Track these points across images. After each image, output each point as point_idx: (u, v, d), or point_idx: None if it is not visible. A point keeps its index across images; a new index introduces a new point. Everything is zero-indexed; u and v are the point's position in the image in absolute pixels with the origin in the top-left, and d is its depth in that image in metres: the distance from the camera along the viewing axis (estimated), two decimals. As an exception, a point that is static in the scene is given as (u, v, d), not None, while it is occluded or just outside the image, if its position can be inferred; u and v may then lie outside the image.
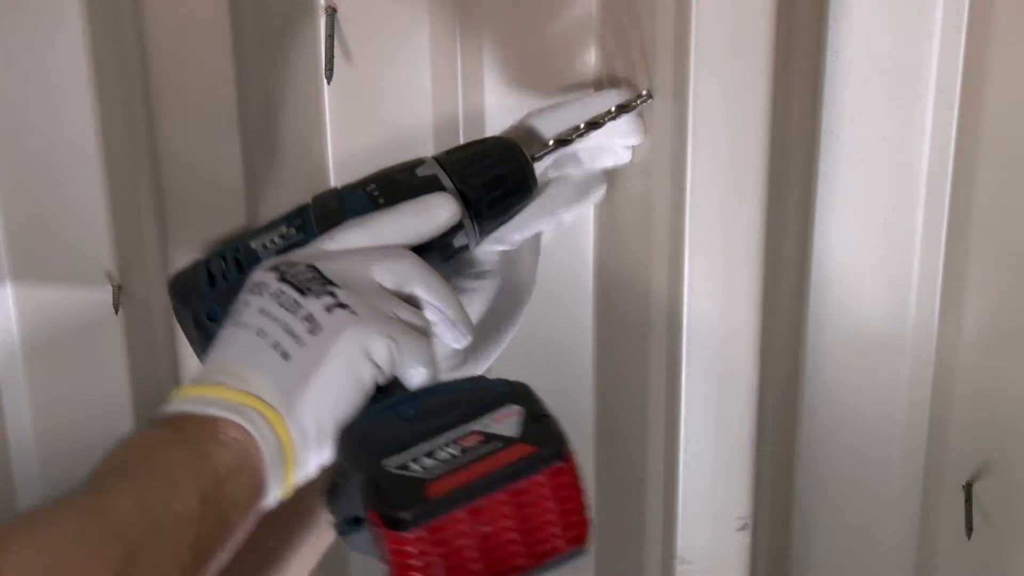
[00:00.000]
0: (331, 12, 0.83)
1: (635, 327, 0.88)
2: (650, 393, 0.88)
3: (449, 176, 0.68)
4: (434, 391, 0.58)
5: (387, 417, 0.56)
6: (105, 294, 0.88)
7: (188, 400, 0.56)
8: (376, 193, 0.67)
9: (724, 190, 0.77)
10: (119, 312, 0.90)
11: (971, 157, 0.83)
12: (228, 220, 0.83)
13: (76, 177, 0.87)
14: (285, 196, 0.85)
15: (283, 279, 0.59)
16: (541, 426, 0.54)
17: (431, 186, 0.67)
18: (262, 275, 0.60)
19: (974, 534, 0.90)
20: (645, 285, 0.86)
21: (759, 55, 0.74)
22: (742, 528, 0.86)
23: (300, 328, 0.57)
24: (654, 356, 0.87)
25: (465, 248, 0.69)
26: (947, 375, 0.89)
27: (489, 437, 0.53)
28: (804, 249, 0.87)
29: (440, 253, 0.67)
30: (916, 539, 0.94)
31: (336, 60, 0.83)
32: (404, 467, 0.52)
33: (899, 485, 0.93)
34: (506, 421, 0.54)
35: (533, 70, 0.83)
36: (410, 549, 0.50)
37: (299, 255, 0.62)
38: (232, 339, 0.59)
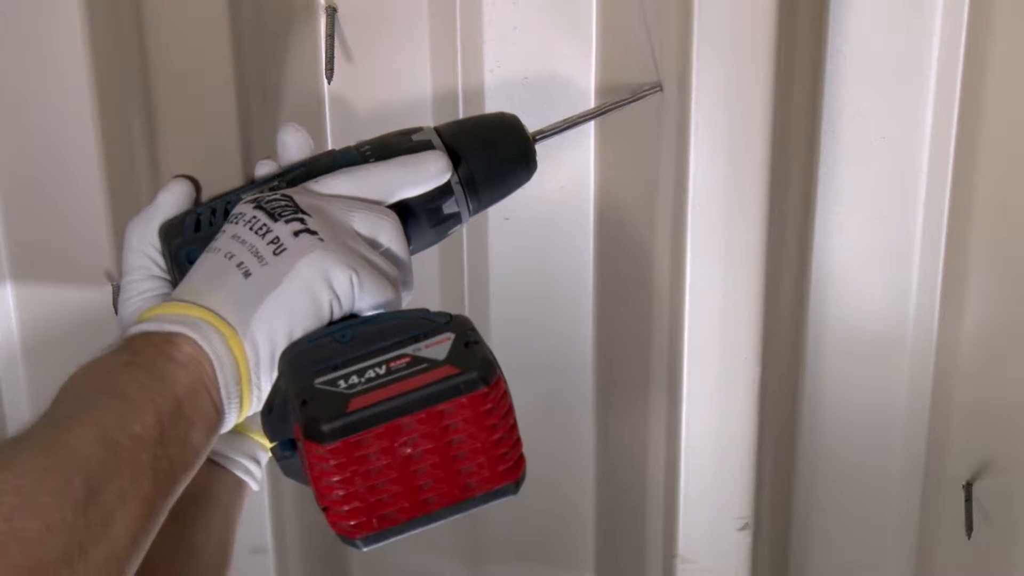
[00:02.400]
0: (331, 12, 0.82)
1: (636, 327, 0.88)
2: (651, 393, 0.88)
3: (444, 142, 0.67)
4: (376, 319, 0.58)
5: (325, 339, 0.56)
6: (105, 294, 0.88)
7: (148, 320, 0.56)
8: (368, 152, 0.67)
9: (725, 190, 0.77)
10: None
11: (971, 157, 0.83)
12: (228, 220, 0.83)
13: (76, 177, 0.87)
14: (285, 196, 0.85)
15: (258, 207, 0.59)
16: (470, 351, 0.53)
17: (424, 148, 0.67)
18: (241, 206, 0.61)
19: (974, 534, 0.90)
20: (646, 285, 0.86)
21: (760, 56, 0.74)
22: (743, 528, 0.86)
23: (265, 249, 0.57)
24: (655, 356, 0.87)
25: (456, 218, 0.68)
26: (947, 375, 0.89)
27: (417, 360, 0.53)
28: (804, 249, 0.87)
29: (428, 217, 0.66)
30: (916, 539, 0.94)
31: (336, 60, 0.83)
32: (332, 384, 0.52)
33: (899, 485, 0.93)
34: (437, 346, 0.54)
35: (533, 71, 0.83)
36: (330, 462, 0.50)
37: (281, 191, 0.63)
38: (202, 263, 0.59)
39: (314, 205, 0.60)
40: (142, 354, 0.54)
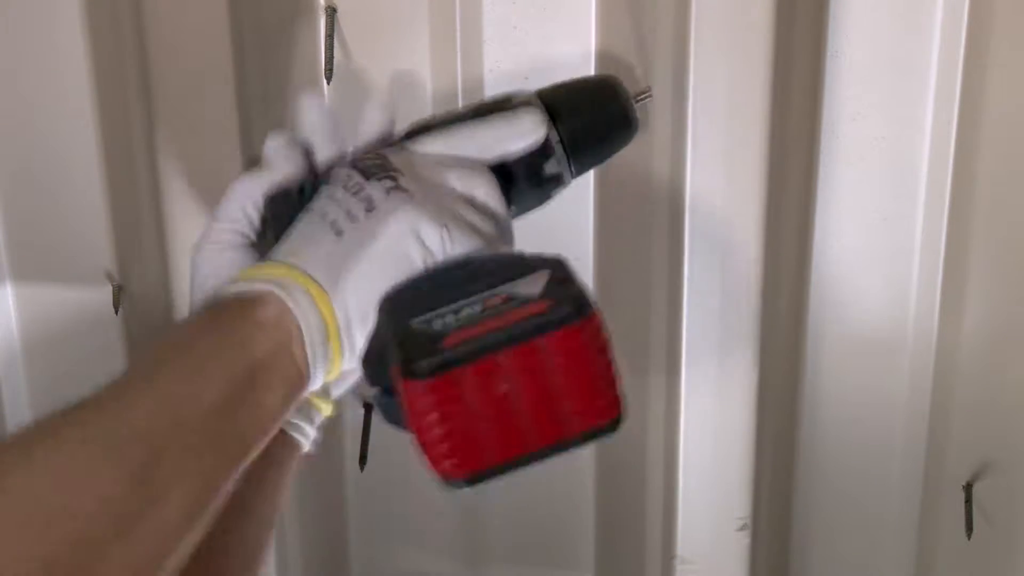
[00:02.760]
0: (331, 12, 0.82)
1: (635, 327, 0.88)
2: (650, 394, 0.88)
3: (545, 104, 0.67)
4: (471, 261, 0.57)
5: (422, 284, 0.56)
6: (105, 294, 0.88)
7: (239, 282, 0.55)
8: (467, 114, 0.66)
9: (724, 190, 0.77)
10: (119, 312, 0.90)
11: (971, 157, 0.83)
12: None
13: (76, 177, 0.87)
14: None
15: (353, 166, 0.60)
16: (564, 287, 0.52)
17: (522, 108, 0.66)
18: (338, 169, 0.61)
19: (974, 534, 0.90)
20: (645, 285, 0.86)
21: (759, 55, 0.74)
22: (742, 528, 0.86)
23: (358, 208, 0.57)
24: (654, 356, 0.87)
25: (558, 180, 0.67)
26: (947, 375, 0.89)
27: (512, 297, 0.52)
28: (804, 249, 0.87)
29: (529, 178, 0.66)
30: (916, 539, 0.94)
31: (336, 60, 0.83)
32: (428, 324, 0.52)
33: (899, 485, 0.93)
34: (532, 284, 0.53)
35: (533, 71, 0.83)
36: (425, 400, 0.49)
37: (378, 151, 0.62)
38: (298, 224, 0.59)
39: (408, 162, 0.60)
40: (223, 317, 0.54)
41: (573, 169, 0.68)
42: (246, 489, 0.56)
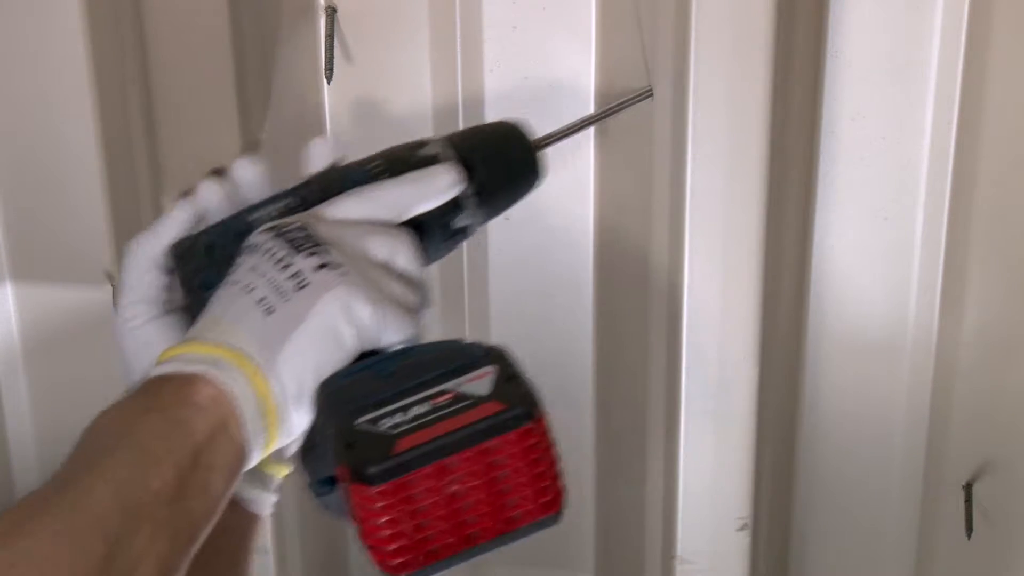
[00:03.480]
0: (331, 12, 0.83)
1: (635, 327, 0.88)
2: (650, 394, 0.88)
3: (456, 153, 0.66)
4: (412, 351, 0.57)
5: (363, 375, 0.55)
6: (105, 294, 0.88)
7: (167, 362, 0.55)
8: (378, 168, 0.66)
9: (724, 190, 0.77)
10: (119, 312, 0.90)
11: (971, 157, 0.83)
12: (228, 220, 0.83)
13: (76, 177, 0.87)
14: (285, 196, 0.85)
15: (277, 236, 0.59)
16: (513, 386, 0.53)
17: (434, 162, 0.65)
18: (257, 236, 0.60)
19: (974, 534, 0.90)
20: (645, 285, 0.86)
21: (759, 55, 0.74)
22: (742, 528, 0.86)
23: (287, 284, 0.56)
24: (654, 357, 0.87)
25: (468, 229, 0.67)
26: (947, 375, 0.89)
27: (461, 396, 0.53)
28: (804, 249, 0.87)
29: (441, 231, 0.66)
30: (916, 539, 0.94)
31: (336, 60, 0.83)
32: (375, 423, 0.52)
33: (899, 485, 0.93)
34: (479, 381, 0.53)
35: (533, 71, 0.83)
36: (377, 504, 0.50)
37: (296, 217, 0.62)
38: (220, 297, 0.58)
39: (332, 235, 0.59)
40: (160, 399, 0.53)
41: (482, 218, 0.68)
42: (211, 560, 0.56)
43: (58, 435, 0.97)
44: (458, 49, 0.84)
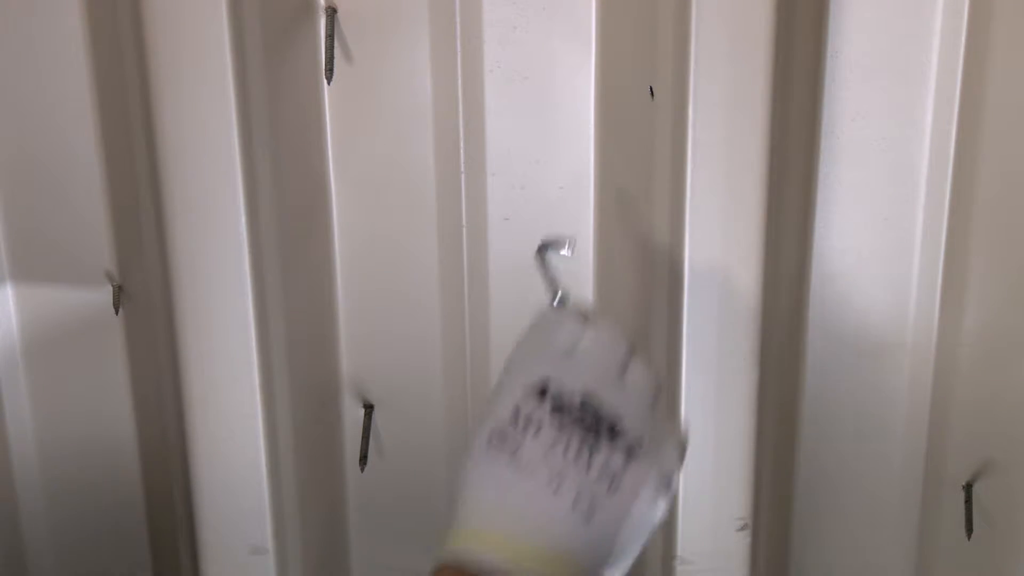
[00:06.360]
0: (331, 12, 0.82)
1: (636, 327, 0.88)
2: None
3: None
4: None
5: None
6: (105, 294, 0.88)
7: (499, 559, 0.51)
8: None
9: (724, 191, 0.77)
10: (119, 312, 0.90)
11: (971, 157, 0.83)
12: (228, 219, 0.83)
13: (76, 177, 0.87)
14: (285, 195, 0.85)
15: (558, 422, 0.54)
16: None
17: None
18: (529, 404, 0.55)
19: (974, 534, 0.90)
20: (645, 284, 0.86)
21: (759, 55, 0.74)
22: (742, 528, 0.86)
23: (599, 487, 0.53)
24: (654, 356, 0.87)
25: None
26: (947, 375, 0.89)
27: None
28: (804, 249, 0.87)
29: None
30: (916, 539, 0.94)
31: (336, 60, 0.83)
32: None
33: (899, 485, 0.93)
34: None
35: (533, 71, 0.83)
36: None
37: (551, 371, 0.56)
38: (516, 485, 0.53)
39: (615, 403, 0.55)
40: None
41: None
42: None
43: (58, 435, 0.97)
44: (458, 49, 0.84)
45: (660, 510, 0.55)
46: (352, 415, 0.94)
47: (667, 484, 0.55)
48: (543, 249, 0.64)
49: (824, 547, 0.96)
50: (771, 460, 0.90)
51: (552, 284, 0.64)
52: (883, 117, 0.83)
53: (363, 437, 0.93)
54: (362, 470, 0.93)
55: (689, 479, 0.85)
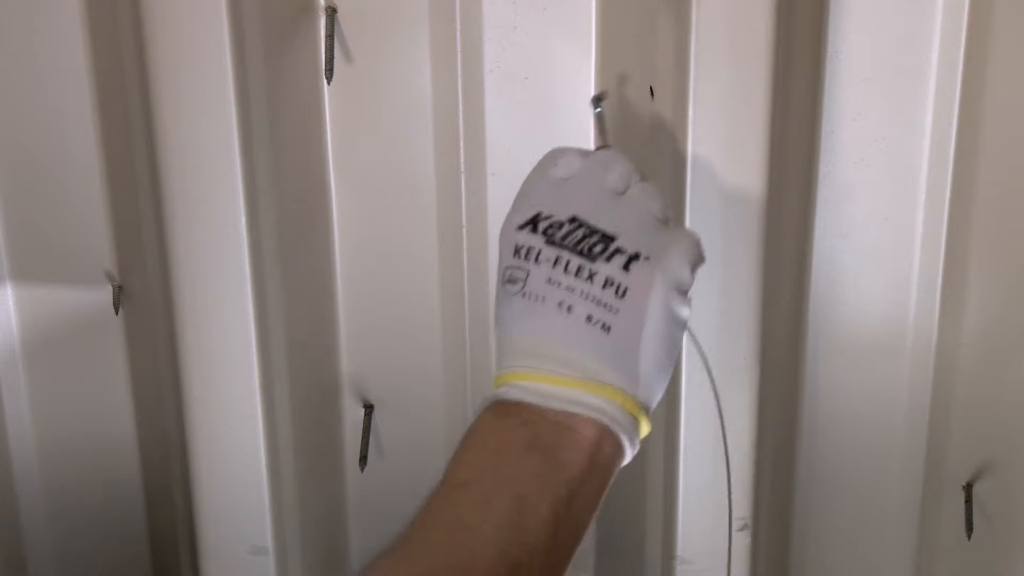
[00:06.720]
0: (331, 12, 0.82)
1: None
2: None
3: None
4: None
5: None
6: (105, 294, 0.88)
7: (531, 389, 0.54)
8: None
9: (724, 191, 0.77)
10: (119, 312, 0.90)
11: (971, 157, 0.83)
12: (228, 220, 0.83)
13: (76, 177, 0.87)
14: (285, 195, 0.85)
15: (552, 243, 0.56)
16: None
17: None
18: (522, 237, 0.57)
19: (974, 534, 0.90)
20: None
21: (759, 56, 0.74)
22: (742, 528, 0.86)
23: (606, 296, 0.54)
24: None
25: None
26: (947, 375, 0.89)
27: None
28: (804, 249, 0.87)
29: None
30: (916, 539, 0.94)
31: (336, 60, 0.83)
32: None
33: (899, 485, 0.93)
34: None
35: (533, 71, 0.83)
36: None
37: (543, 202, 0.57)
38: (531, 313, 0.55)
39: (607, 218, 0.57)
40: (542, 438, 0.53)
41: None
42: None
43: (58, 435, 0.97)
44: (458, 49, 0.84)
45: (677, 316, 0.56)
46: (352, 415, 0.94)
47: (677, 286, 0.56)
48: (597, 101, 0.69)
49: (824, 547, 0.96)
50: (770, 461, 0.90)
51: (603, 135, 0.67)
52: (883, 117, 0.83)
53: (363, 437, 0.93)
54: (362, 470, 0.93)
55: (689, 479, 0.85)
